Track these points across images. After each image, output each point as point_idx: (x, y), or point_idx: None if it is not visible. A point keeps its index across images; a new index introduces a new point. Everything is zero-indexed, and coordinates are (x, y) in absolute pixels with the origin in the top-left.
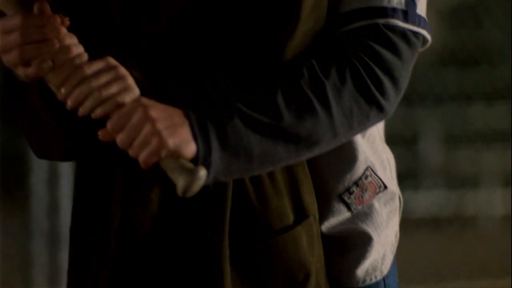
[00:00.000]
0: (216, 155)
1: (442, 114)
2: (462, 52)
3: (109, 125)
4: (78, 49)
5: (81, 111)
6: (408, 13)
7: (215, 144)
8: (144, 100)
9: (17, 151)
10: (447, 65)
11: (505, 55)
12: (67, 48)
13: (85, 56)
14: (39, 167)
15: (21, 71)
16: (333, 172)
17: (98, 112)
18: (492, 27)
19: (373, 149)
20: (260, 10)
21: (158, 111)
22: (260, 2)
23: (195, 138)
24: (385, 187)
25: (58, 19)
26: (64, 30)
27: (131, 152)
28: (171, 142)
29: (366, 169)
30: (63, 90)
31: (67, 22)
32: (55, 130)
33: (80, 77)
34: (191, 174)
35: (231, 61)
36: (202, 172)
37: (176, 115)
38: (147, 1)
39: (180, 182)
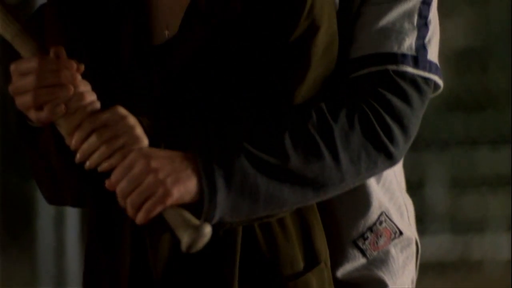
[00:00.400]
0: (221, 195)
1: (448, 159)
2: (468, 97)
3: (113, 177)
4: (91, 96)
5: (88, 165)
6: (418, 59)
7: (220, 183)
8: (146, 150)
9: (23, 194)
10: (452, 110)
11: (511, 100)
12: (81, 95)
13: (98, 104)
14: (45, 211)
15: (33, 114)
16: (347, 217)
17: (104, 166)
18: (498, 72)
19: (389, 194)
20: (271, 57)
21: (160, 160)
22: (271, 50)
23: (200, 179)
24: (401, 233)
25: (74, 65)
26: (79, 77)
27: (130, 203)
28: (175, 190)
29: (381, 214)
30: (73, 141)
31: (82, 69)
32: (66, 175)
33: (90, 128)
34: (196, 231)
35: (241, 103)
36: (207, 229)
37: (180, 160)
38: (159, 48)
39: (184, 238)
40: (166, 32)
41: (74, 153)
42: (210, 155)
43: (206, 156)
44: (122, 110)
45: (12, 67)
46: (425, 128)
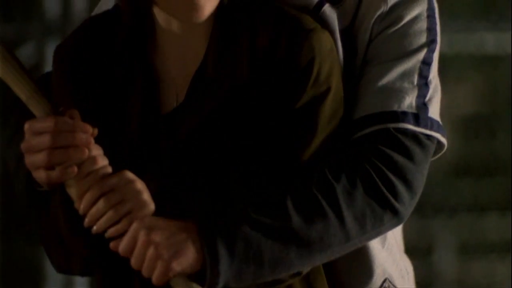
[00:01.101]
0: (224, 263)
1: (456, 225)
2: (476, 163)
3: (120, 248)
4: (103, 161)
5: (95, 229)
6: (419, 117)
7: (223, 252)
8: (149, 221)
9: (30, 262)
10: (461, 176)
11: None
12: (93, 159)
13: (109, 169)
14: (53, 279)
15: (43, 174)
16: (351, 285)
17: (111, 232)
18: (506, 138)
19: (391, 258)
20: (278, 122)
21: (161, 233)
22: (278, 115)
23: (201, 248)
24: None
25: (89, 128)
26: (92, 140)
27: (143, 272)
28: (176, 264)
29: (384, 281)
30: (82, 205)
31: (96, 132)
32: (74, 240)
33: (99, 192)
34: None
35: (246, 167)
36: None
37: (181, 231)
38: (167, 117)
39: None
40: (175, 99)
41: (82, 217)
42: (211, 224)
43: (208, 225)
44: (130, 175)
45: (26, 126)
46: (434, 194)
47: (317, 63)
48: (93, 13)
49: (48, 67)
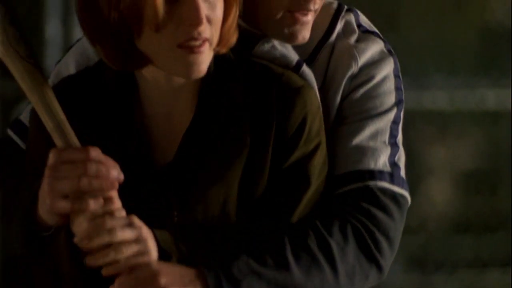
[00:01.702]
0: None
1: (457, 282)
2: (477, 219)
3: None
4: (119, 203)
5: (95, 264)
6: (393, 175)
7: None
8: (156, 266)
9: None
10: (462, 232)
11: None
12: (112, 199)
13: (123, 212)
14: None
15: (62, 204)
16: None
17: (110, 270)
18: (507, 194)
19: None
20: (271, 177)
21: (168, 277)
22: (271, 170)
23: None
24: None
25: (117, 165)
26: (121, 176)
27: None
28: None
29: None
30: (90, 243)
31: (122, 177)
32: (76, 281)
33: (108, 237)
34: None
35: (243, 218)
36: None
37: (189, 276)
38: (161, 171)
39: None
40: (168, 153)
41: (85, 252)
42: (218, 272)
43: (215, 274)
44: (136, 221)
45: (54, 154)
46: (434, 250)
47: (309, 120)
48: (53, 75)
49: None
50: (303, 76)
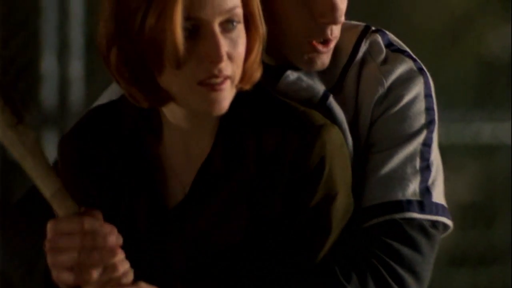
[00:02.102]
0: None
1: None
2: (474, 253)
3: None
4: (126, 265)
5: None
6: (424, 203)
7: None
8: None
9: None
10: (458, 265)
11: None
12: (116, 265)
13: (131, 276)
14: None
15: (66, 276)
16: None
17: None
18: (503, 228)
19: None
20: (290, 221)
21: None
22: (289, 214)
23: None
24: None
25: (116, 230)
26: (121, 241)
27: None
28: None
29: None
30: None
31: (121, 241)
32: None
33: None
34: None
35: (259, 264)
36: None
37: None
38: (174, 212)
39: None
40: (181, 192)
41: None
42: None
43: None
44: (144, 286)
45: (51, 225)
46: (431, 284)
47: (328, 161)
48: (98, 101)
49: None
50: (330, 108)
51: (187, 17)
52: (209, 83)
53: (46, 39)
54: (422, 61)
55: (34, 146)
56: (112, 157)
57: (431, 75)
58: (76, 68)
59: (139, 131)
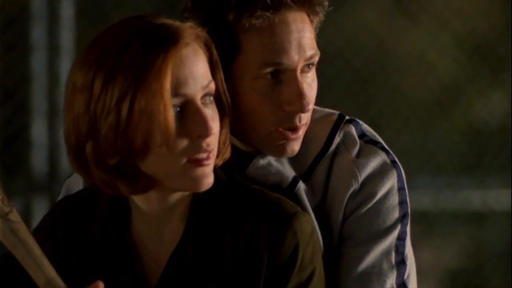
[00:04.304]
0: None
1: None
2: None
3: None
4: None
5: None
6: None
7: None
8: None
9: None
10: None
11: None
12: None
13: None
14: None
15: None
16: None
17: None
18: None
19: None
20: None
21: None
22: None
23: None
24: None
25: None
26: None
27: None
28: None
29: None
30: None
31: None
32: None
33: None
34: None
35: None
36: None
37: None
38: None
39: None
40: (158, 271)
41: None
42: None
43: None
44: None
45: None
46: None
47: (301, 249)
48: (61, 195)
49: (35, 223)
50: (297, 194)
51: (174, 94)
52: (196, 159)
53: (36, 106)
54: (412, 129)
55: (26, 236)
56: (88, 244)
57: (421, 143)
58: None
59: (111, 218)
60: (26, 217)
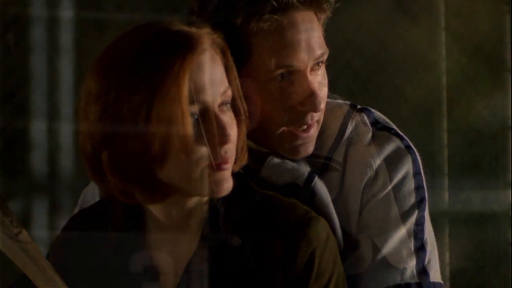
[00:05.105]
0: None
1: None
2: None
3: None
4: None
5: None
6: (422, 285)
7: None
8: None
9: None
10: None
11: None
12: None
13: None
14: None
15: None
16: None
17: None
18: None
19: None
20: None
21: None
22: None
23: None
24: None
25: None
26: None
27: None
28: None
29: None
30: None
31: None
32: None
33: None
34: None
35: None
36: None
37: None
38: None
39: None
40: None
41: None
42: None
43: None
44: None
45: None
46: None
47: (317, 256)
48: (79, 205)
49: (34, 224)
50: (315, 190)
51: (192, 102)
52: (216, 164)
53: (35, 107)
54: (412, 130)
55: (37, 255)
56: (103, 257)
57: (422, 144)
58: (66, 136)
59: (125, 228)
60: (26, 218)
